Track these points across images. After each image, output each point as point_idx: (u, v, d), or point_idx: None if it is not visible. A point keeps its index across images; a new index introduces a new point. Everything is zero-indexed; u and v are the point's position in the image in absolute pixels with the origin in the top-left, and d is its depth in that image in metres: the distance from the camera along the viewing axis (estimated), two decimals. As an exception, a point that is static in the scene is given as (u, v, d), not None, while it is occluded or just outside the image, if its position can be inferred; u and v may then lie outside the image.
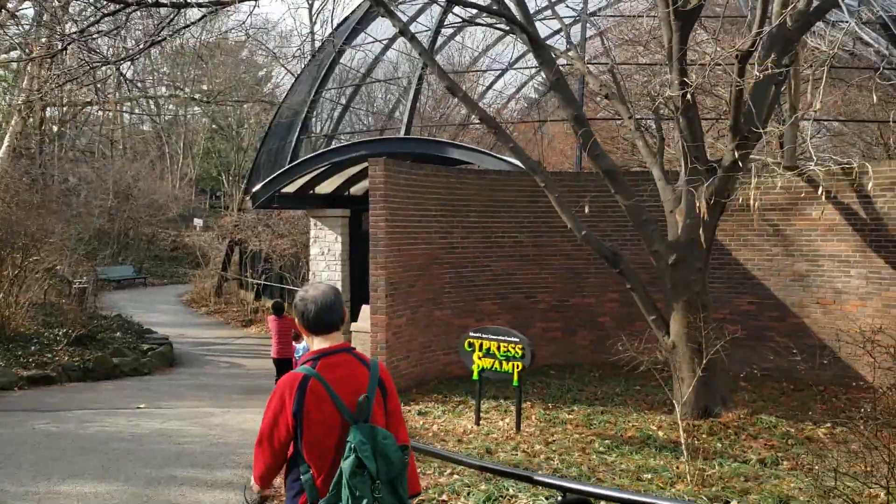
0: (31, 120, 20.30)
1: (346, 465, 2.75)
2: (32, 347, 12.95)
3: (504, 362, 8.55)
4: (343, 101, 26.57)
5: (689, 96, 9.20)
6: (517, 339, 8.49)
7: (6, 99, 25.44)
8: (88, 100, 22.55)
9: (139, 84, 19.41)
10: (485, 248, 12.19)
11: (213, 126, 49.47)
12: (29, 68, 16.89)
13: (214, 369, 14.26)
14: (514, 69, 24.69)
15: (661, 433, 8.76)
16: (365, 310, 11.34)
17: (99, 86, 26.12)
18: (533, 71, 25.70)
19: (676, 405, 9.58)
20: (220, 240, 35.41)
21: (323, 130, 25.58)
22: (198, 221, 41.40)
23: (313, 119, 24.46)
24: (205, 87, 35.04)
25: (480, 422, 8.96)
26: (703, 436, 8.76)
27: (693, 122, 9.18)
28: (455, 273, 11.82)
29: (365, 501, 2.71)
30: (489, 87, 27.49)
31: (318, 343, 3.03)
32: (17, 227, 13.46)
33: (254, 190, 16.10)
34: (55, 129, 38.10)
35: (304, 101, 23.72)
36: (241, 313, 22.85)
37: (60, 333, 13.75)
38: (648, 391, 10.84)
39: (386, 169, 10.32)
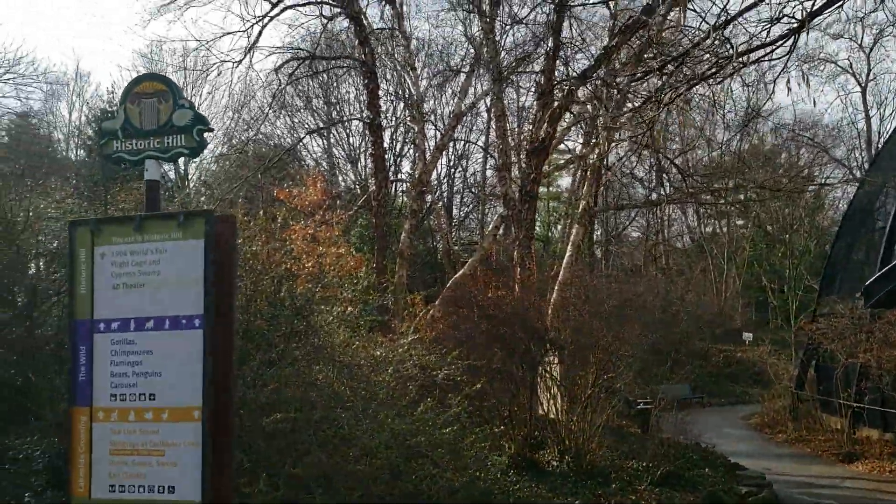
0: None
1: None
2: (612, 485, 10.83)
3: None
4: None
5: None
6: None
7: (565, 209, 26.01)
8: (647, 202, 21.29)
9: (697, 177, 17.48)
10: None
11: (756, 233, 45.89)
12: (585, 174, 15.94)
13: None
14: None
15: None
16: None
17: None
18: None
19: None
20: (780, 354, 31.25)
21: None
22: (747, 335, 37.86)
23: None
24: (741, 198, 32.43)
25: None
26: None
27: None
28: None
29: None
30: None
31: None
32: (592, 338, 11.81)
33: (866, 284, 12.23)
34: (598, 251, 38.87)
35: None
36: (831, 444, 18.37)
37: (640, 468, 11.50)
38: None
39: None
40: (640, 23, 15.51)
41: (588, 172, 18.40)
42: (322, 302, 8.94)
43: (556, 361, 13.79)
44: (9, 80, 25.39)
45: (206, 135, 4.93)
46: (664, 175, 17.92)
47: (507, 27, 19.10)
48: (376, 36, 20.26)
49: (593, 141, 17.53)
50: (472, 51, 21.19)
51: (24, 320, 8.75)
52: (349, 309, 9.81)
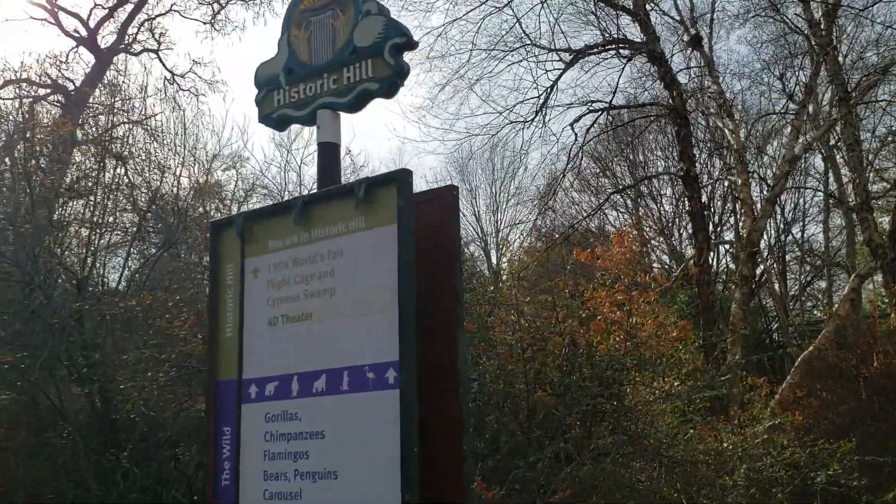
0: None
1: None
2: None
3: None
4: None
5: None
6: None
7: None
8: None
9: None
10: None
11: None
12: None
13: None
14: None
15: None
16: None
17: None
18: None
19: None
20: None
21: None
22: None
23: None
24: None
25: None
26: None
27: None
28: None
29: None
30: None
31: None
32: None
33: None
34: None
35: None
36: None
37: None
38: None
39: None
40: None
41: None
42: (637, 373, 6.44)
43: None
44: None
45: (405, 55, 2.86)
46: None
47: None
48: (681, 88, 17.72)
49: None
50: (792, 106, 18.01)
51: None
52: (676, 384, 7.16)
